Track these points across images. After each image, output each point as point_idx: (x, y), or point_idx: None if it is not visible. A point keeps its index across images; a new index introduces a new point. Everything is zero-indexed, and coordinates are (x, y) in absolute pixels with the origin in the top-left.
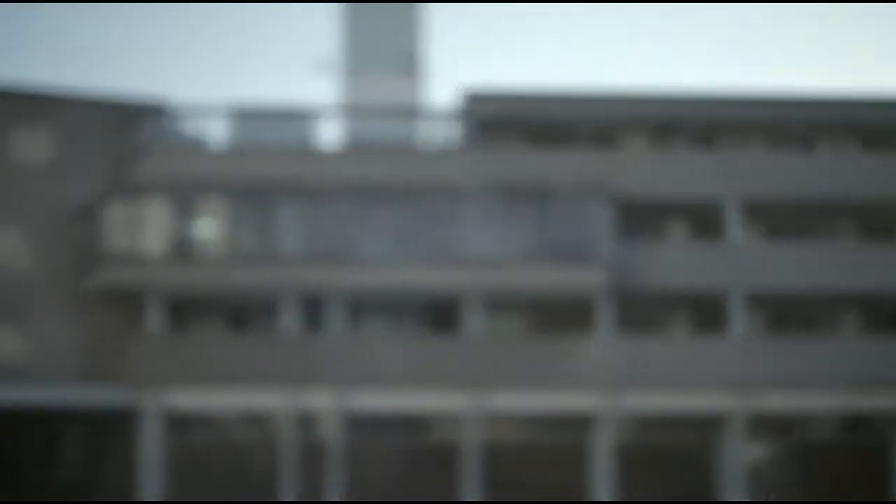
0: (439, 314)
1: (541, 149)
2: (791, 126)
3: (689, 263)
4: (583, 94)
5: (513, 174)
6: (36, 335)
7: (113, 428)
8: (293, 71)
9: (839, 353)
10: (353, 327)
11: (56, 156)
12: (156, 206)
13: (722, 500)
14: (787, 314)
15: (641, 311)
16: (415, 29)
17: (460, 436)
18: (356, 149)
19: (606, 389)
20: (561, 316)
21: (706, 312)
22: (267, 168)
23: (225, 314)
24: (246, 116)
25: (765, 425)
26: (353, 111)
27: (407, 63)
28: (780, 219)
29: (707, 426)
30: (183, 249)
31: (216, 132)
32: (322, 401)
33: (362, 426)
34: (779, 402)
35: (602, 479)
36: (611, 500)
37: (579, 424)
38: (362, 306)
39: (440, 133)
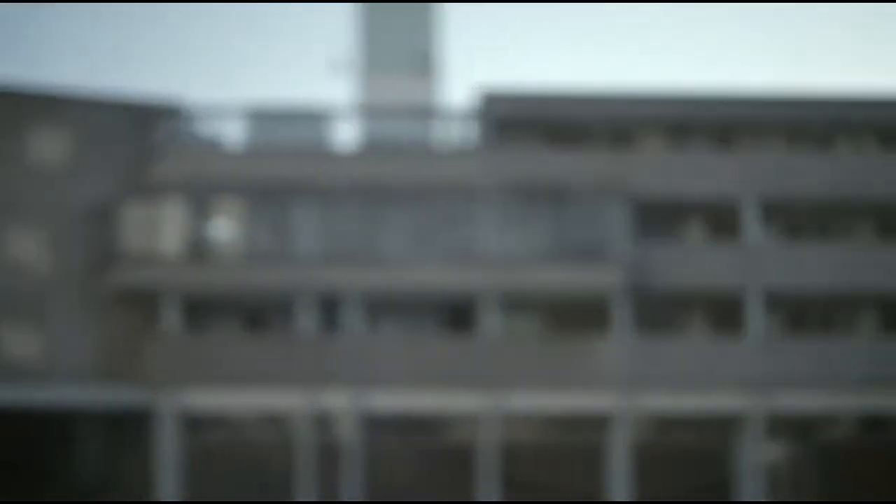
0: (456, 314)
1: (557, 149)
2: (809, 126)
3: (705, 263)
4: (599, 94)
5: (529, 174)
6: (53, 335)
7: (129, 428)
8: (309, 71)
9: (857, 353)
10: (370, 328)
11: (73, 157)
12: (172, 206)
13: (739, 500)
14: (804, 314)
15: (658, 311)
16: (430, 29)
17: (477, 436)
18: (372, 149)
19: (623, 390)
20: (577, 316)
21: (723, 312)
22: (283, 168)
23: (241, 314)
24: (262, 117)
25: (782, 425)
26: (369, 111)
27: (422, 63)
28: (797, 218)
29: (724, 426)
30: (199, 250)
31: (232, 133)
32: (338, 401)
33: (379, 427)
34: (796, 402)
35: (619, 480)
36: (628, 501)
37: (596, 425)
38: (379, 306)
39: (456, 133)
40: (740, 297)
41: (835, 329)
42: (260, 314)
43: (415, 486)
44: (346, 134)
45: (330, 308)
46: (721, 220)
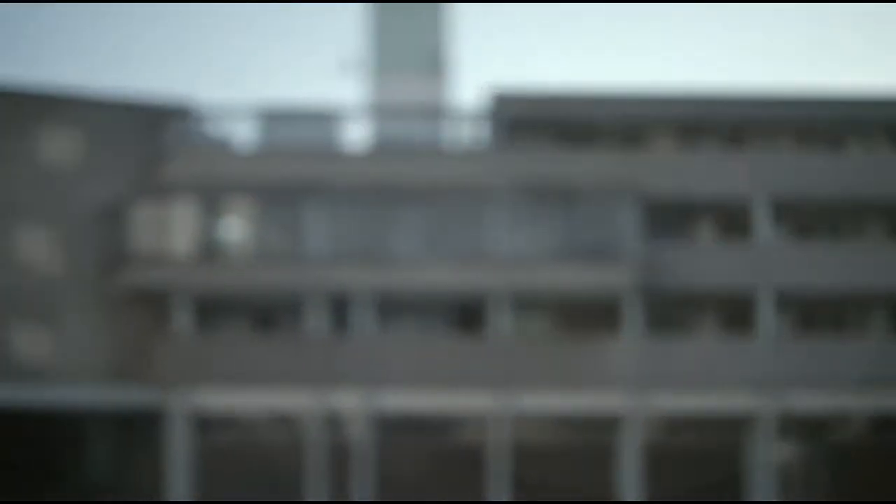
0: (466, 314)
1: (568, 149)
2: (820, 125)
3: (716, 263)
4: (610, 94)
5: (540, 174)
6: (63, 335)
7: (140, 428)
8: (319, 71)
9: (868, 353)
10: (380, 328)
11: (83, 157)
12: (183, 206)
13: (750, 501)
14: (815, 314)
15: (668, 311)
16: (441, 29)
17: (487, 436)
18: (383, 149)
19: (634, 390)
20: (588, 316)
21: (734, 312)
22: (293, 169)
23: (251, 314)
24: (272, 117)
25: (793, 425)
26: (380, 111)
27: (433, 63)
28: (808, 218)
29: (735, 426)
30: (210, 250)
31: (242, 133)
32: (349, 401)
33: (389, 427)
34: (807, 402)
35: (629, 481)
36: (639, 502)
37: (606, 425)
38: (389, 307)
39: (467, 133)
40: (751, 297)
41: (846, 329)
42: (270, 314)
43: (425, 486)
44: (356, 134)
45: (340, 308)
46: (732, 219)
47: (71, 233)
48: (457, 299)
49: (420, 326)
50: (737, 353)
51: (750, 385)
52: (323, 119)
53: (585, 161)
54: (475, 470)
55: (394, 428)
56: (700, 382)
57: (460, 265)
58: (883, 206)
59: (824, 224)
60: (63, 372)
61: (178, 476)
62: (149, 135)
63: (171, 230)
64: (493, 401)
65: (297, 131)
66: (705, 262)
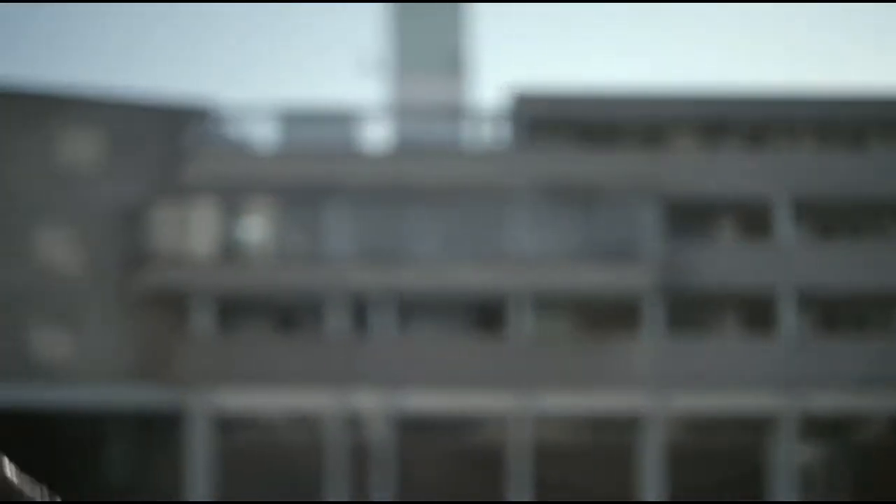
0: (486, 315)
1: (589, 149)
2: (841, 125)
3: (737, 263)
4: (631, 95)
5: (560, 174)
6: (84, 336)
7: (160, 429)
8: (339, 72)
9: (889, 353)
10: (400, 328)
11: (104, 158)
12: (203, 207)
13: (772, 501)
14: (836, 313)
15: (689, 310)
16: (461, 29)
17: (508, 437)
18: (403, 149)
19: (655, 390)
20: (609, 316)
21: (755, 312)
22: (313, 169)
23: (272, 315)
24: (292, 118)
25: (815, 426)
26: (400, 112)
27: (453, 63)
28: (829, 218)
29: (757, 427)
30: (229, 251)
31: (263, 134)
32: (369, 402)
33: (409, 427)
34: (829, 402)
35: (650, 481)
36: (660, 502)
37: (627, 425)
38: (409, 307)
39: (487, 133)
40: (772, 297)
41: (867, 328)
42: (290, 315)
43: (445, 486)
44: (376, 134)
45: (360, 309)
46: (753, 219)
47: (91, 233)
48: (477, 299)
49: (440, 327)
50: (758, 353)
51: (771, 385)
52: (343, 120)
53: (606, 161)
54: (495, 470)
55: (414, 428)
56: (721, 382)
57: (481, 265)
58: None
59: (845, 223)
60: (83, 372)
61: (198, 476)
62: (169, 136)
63: (191, 231)
64: (513, 401)
65: (316, 132)
66: (726, 262)
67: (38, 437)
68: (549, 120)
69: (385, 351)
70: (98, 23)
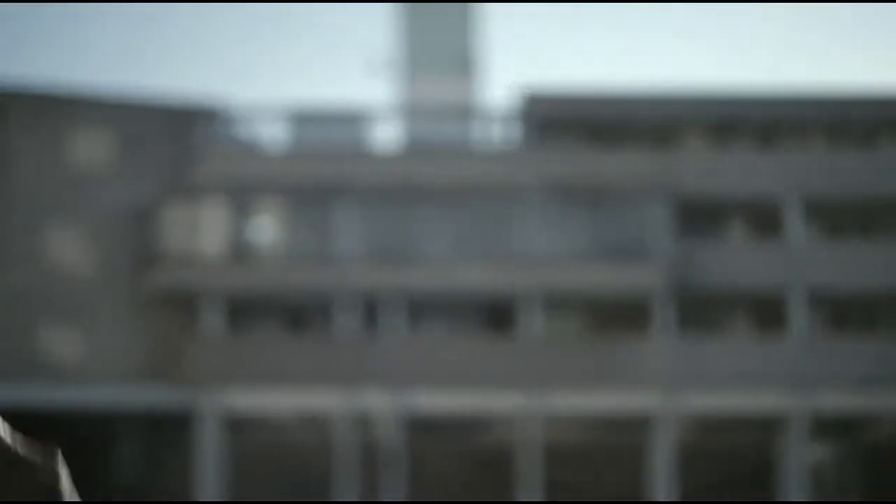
0: (496, 315)
1: (599, 149)
2: (851, 124)
3: (748, 263)
4: (641, 94)
5: (571, 174)
6: (94, 336)
7: (170, 429)
8: (349, 72)
9: None
10: (410, 328)
11: (113, 159)
12: (213, 207)
13: (783, 501)
14: (847, 313)
15: (700, 310)
16: (471, 28)
17: (518, 437)
18: (412, 150)
19: (665, 390)
20: (619, 316)
21: (766, 312)
22: (323, 169)
23: (282, 315)
24: (301, 118)
25: (826, 425)
26: (409, 112)
27: (463, 63)
28: (840, 217)
29: (768, 426)
30: (240, 251)
31: (272, 134)
32: (379, 402)
33: (419, 428)
34: (840, 402)
35: (661, 481)
36: (670, 502)
37: (638, 425)
38: (419, 307)
39: (497, 133)
40: (783, 297)
41: (878, 328)
42: (300, 315)
43: (455, 487)
44: (386, 134)
45: (370, 308)
46: (763, 219)
47: (102, 234)
48: (487, 299)
49: (450, 327)
50: (769, 353)
51: (782, 385)
52: (352, 119)
53: (616, 161)
54: (506, 470)
55: (424, 428)
56: (732, 382)
57: (491, 265)
58: None
59: (856, 223)
60: (93, 372)
61: (208, 476)
62: (178, 136)
63: (201, 231)
64: (523, 401)
65: (326, 132)
66: (737, 262)
67: (49, 437)
68: (559, 119)
69: (395, 351)
70: (108, 22)
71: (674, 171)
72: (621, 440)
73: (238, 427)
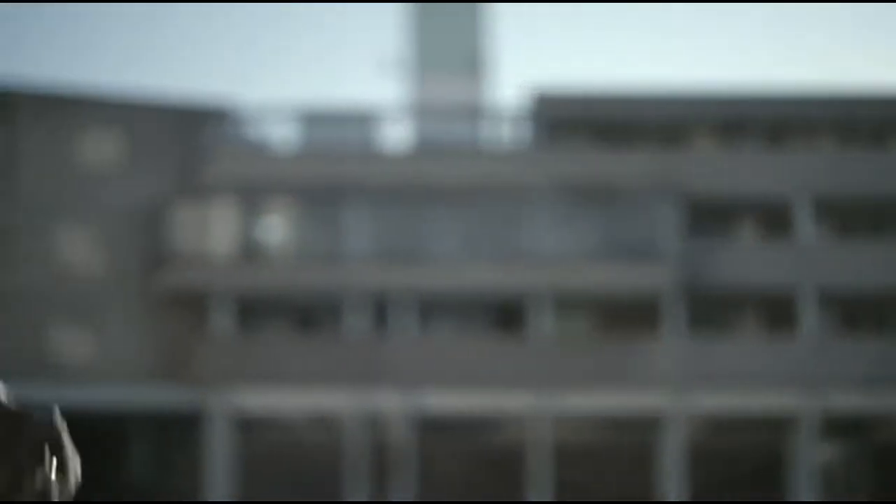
0: (506, 315)
1: (608, 148)
2: (861, 124)
3: (758, 262)
4: (650, 94)
5: (580, 174)
6: (104, 336)
7: (180, 429)
8: (359, 72)
9: None
10: (420, 328)
11: (123, 159)
12: (223, 207)
13: (793, 501)
14: (857, 313)
15: (710, 310)
16: (480, 28)
17: (528, 437)
18: (422, 149)
19: (675, 390)
20: (629, 316)
21: (776, 312)
22: (333, 169)
23: (291, 315)
24: (311, 118)
25: (836, 425)
26: (419, 112)
27: (472, 63)
28: (850, 217)
29: (777, 426)
30: (250, 251)
31: (282, 134)
32: (389, 402)
33: (429, 427)
34: (850, 401)
35: (671, 481)
36: (680, 502)
37: (648, 425)
38: (429, 307)
39: (507, 133)
40: (793, 297)
41: (888, 328)
42: (310, 315)
43: (465, 487)
44: (395, 134)
45: (380, 308)
46: (773, 218)
47: (112, 234)
48: (496, 299)
49: (460, 327)
50: (779, 353)
51: (792, 385)
52: (362, 119)
53: (625, 160)
54: (516, 470)
55: (434, 428)
56: (742, 382)
57: (500, 265)
58: None
59: (866, 222)
60: (103, 372)
61: (218, 476)
62: (188, 136)
63: (210, 231)
64: (533, 401)
65: (336, 132)
66: (747, 262)
67: None
68: (568, 119)
69: (404, 351)
70: (118, 22)
71: (683, 171)
72: (631, 440)
73: (248, 427)
